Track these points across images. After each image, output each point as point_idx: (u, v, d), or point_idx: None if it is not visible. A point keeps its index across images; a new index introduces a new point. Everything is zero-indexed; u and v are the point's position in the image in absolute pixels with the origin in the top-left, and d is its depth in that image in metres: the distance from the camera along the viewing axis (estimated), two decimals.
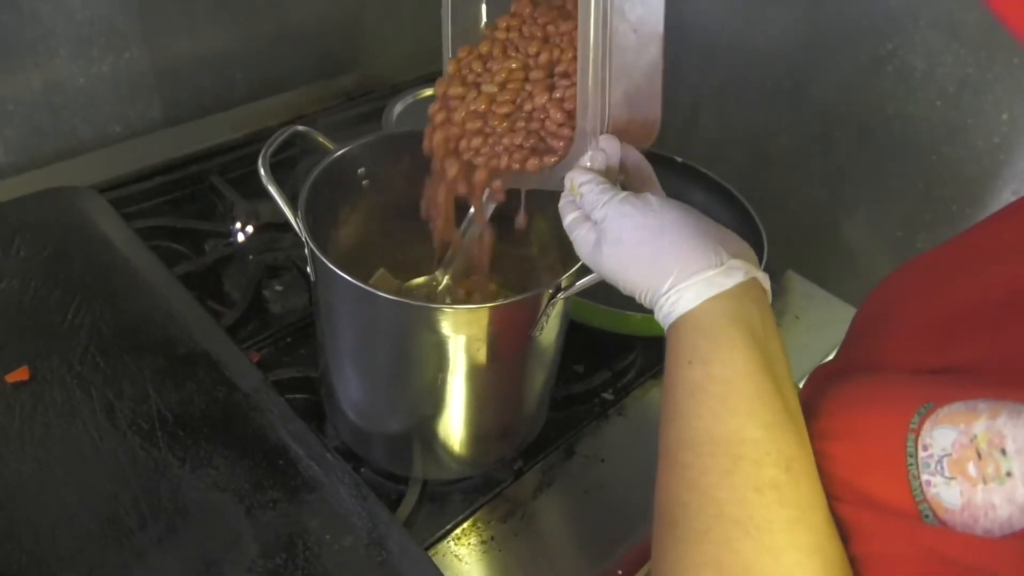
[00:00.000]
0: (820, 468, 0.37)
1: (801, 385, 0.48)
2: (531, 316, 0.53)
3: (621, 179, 0.48)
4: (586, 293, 0.62)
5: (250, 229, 0.86)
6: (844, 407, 0.39)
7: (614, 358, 0.77)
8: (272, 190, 0.54)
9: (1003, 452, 0.30)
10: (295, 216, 0.54)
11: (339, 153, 0.59)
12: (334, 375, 0.62)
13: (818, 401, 0.40)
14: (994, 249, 0.41)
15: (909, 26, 0.91)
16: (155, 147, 0.93)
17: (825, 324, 0.86)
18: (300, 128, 0.58)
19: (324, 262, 0.49)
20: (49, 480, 0.58)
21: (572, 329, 0.62)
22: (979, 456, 0.31)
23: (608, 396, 0.75)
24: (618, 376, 0.76)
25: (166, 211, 0.87)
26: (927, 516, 0.32)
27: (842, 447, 0.37)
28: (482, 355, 0.53)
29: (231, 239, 0.85)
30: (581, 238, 0.45)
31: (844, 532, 0.36)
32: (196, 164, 0.92)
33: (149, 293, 0.72)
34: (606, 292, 0.80)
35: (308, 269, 0.56)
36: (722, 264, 0.39)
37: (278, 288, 0.81)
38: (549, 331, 0.56)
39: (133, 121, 0.96)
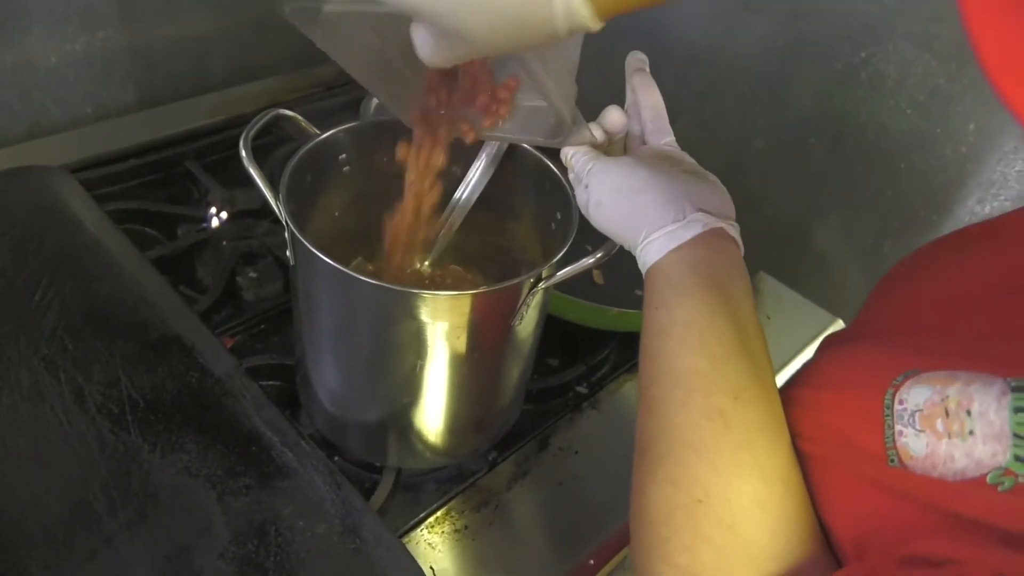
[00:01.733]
0: (805, 411, 0.41)
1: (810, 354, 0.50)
2: (512, 305, 0.53)
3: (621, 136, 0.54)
4: (563, 287, 0.63)
5: (224, 215, 0.85)
6: (838, 363, 0.42)
7: (589, 352, 0.77)
8: (253, 172, 0.54)
9: (968, 413, 0.33)
10: (276, 199, 0.53)
11: (322, 137, 0.59)
12: (310, 362, 0.61)
13: (819, 357, 0.45)
14: (1019, 235, 0.43)
15: (884, 36, 0.93)
16: (128, 130, 0.91)
17: (795, 325, 0.87)
18: (284, 111, 0.57)
19: (305, 245, 0.49)
20: (15, 463, 0.57)
21: (548, 323, 0.62)
22: (947, 414, 0.34)
23: (583, 390, 0.75)
24: (593, 370, 0.77)
25: (139, 194, 0.86)
26: (892, 460, 0.35)
27: (829, 395, 0.40)
28: (462, 344, 0.53)
29: (205, 224, 0.84)
30: (579, 201, 0.51)
31: (811, 465, 0.40)
32: (171, 148, 0.90)
33: (121, 276, 0.71)
34: (583, 287, 0.80)
35: (288, 254, 0.55)
36: (684, 218, 0.44)
37: (252, 275, 0.80)
38: (528, 322, 0.56)
39: (106, 103, 0.94)
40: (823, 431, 0.40)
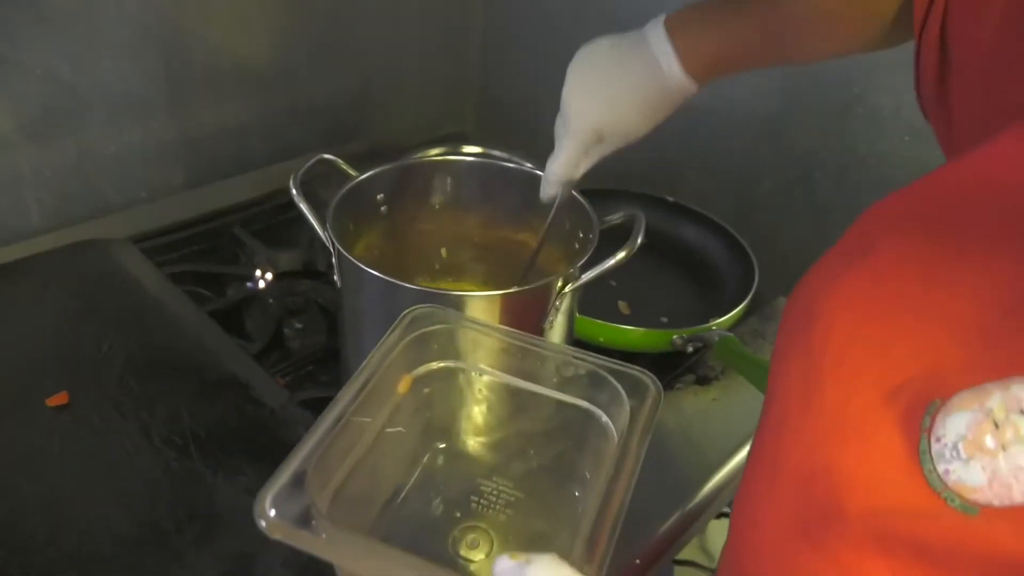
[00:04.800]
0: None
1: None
2: (543, 306, 0.57)
3: None
4: (591, 313, 0.67)
5: (269, 276, 0.91)
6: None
7: None
8: (303, 206, 0.60)
9: (1021, 412, 0.27)
10: (323, 228, 0.59)
11: (361, 178, 0.65)
12: (345, 368, 0.66)
13: None
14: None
15: (873, 69, 0.99)
16: (180, 205, 0.99)
17: None
18: (327, 156, 0.64)
19: (350, 259, 0.54)
20: (89, 492, 0.61)
21: (579, 346, 0.66)
22: (996, 426, 0.28)
23: None
24: None
25: (191, 259, 0.92)
26: (953, 500, 0.29)
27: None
28: None
29: (251, 284, 0.90)
30: None
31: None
32: (218, 219, 0.98)
33: (179, 327, 0.77)
34: (611, 315, 0.84)
35: (335, 277, 0.61)
36: None
37: (298, 326, 0.85)
38: (557, 329, 0.60)
39: (157, 186, 1.03)
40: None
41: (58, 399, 0.68)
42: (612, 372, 0.46)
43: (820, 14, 0.55)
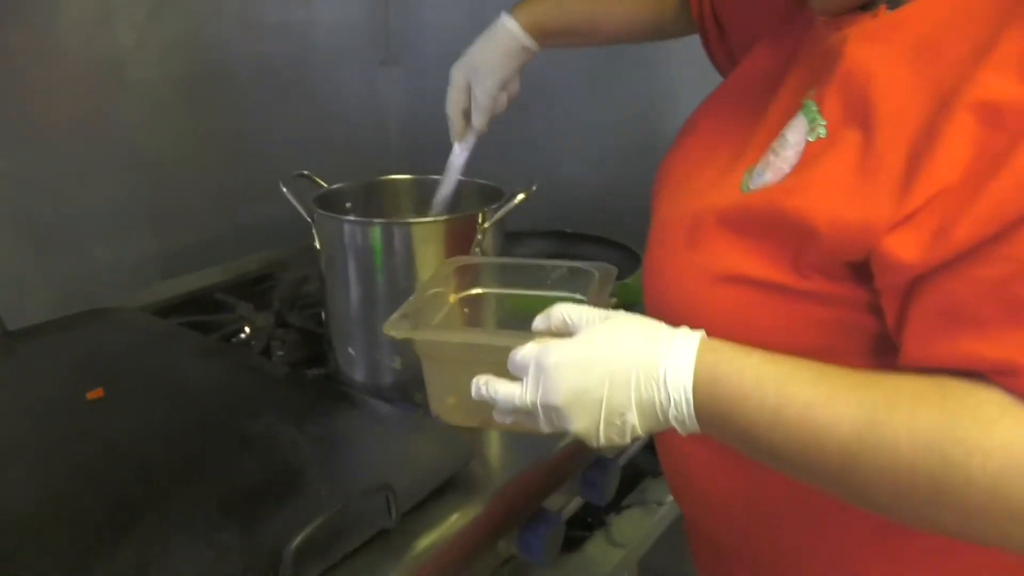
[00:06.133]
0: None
1: None
2: (471, 234, 0.82)
3: None
4: None
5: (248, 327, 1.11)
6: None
7: None
8: (289, 196, 0.84)
9: (778, 150, 0.52)
10: (310, 215, 0.83)
11: (332, 188, 0.90)
12: (331, 317, 0.87)
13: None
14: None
15: None
16: (170, 287, 1.20)
17: None
18: (304, 172, 0.89)
19: (321, 213, 0.79)
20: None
21: None
22: (773, 154, 0.52)
23: None
24: None
25: (187, 313, 1.12)
26: (745, 188, 0.54)
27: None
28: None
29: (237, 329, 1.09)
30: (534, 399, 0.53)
31: None
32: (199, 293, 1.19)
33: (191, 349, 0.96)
34: None
35: (315, 243, 0.84)
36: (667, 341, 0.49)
37: (280, 354, 1.04)
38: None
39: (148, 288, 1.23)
40: None
41: (95, 394, 0.84)
42: (582, 267, 0.69)
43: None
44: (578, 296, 0.67)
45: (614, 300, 0.93)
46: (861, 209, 0.45)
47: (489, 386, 0.53)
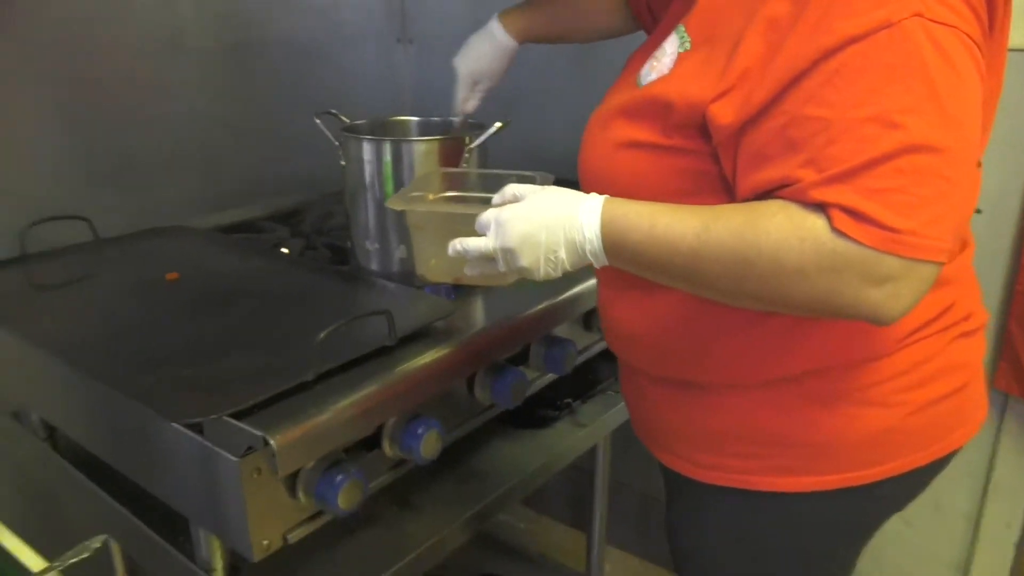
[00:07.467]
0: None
1: None
2: (460, 152, 1.05)
3: None
4: None
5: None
6: None
7: None
8: (321, 125, 1.08)
9: (663, 52, 0.75)
10: (337, 138, 1.07)
11: (355, 123, 1.14)
12: (353, 220, 1.12)
13: None
14: None
15: None
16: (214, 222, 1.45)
17: None
18: (332, 111, 1.14)
19: (349, 135, 1.02)
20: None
21: None
22: (656, 60, 0.75)
23: None
24: None
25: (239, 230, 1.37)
26: (639, 85, 0.76)
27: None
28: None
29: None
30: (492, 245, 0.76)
31: None
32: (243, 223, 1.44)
33: (241, 251, 1.20)
34: None
35: (341, 163, 1.08)
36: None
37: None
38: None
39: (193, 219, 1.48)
40: None
41: (172, 276, 1.09)
42: (528, 174, 0.90)
43: (588, 5, 1.10)
44: None
45: None
46: (698, 89, 0.69)
47: (463, 243, 0.76)
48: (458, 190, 0.97)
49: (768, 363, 0.77)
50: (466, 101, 1.14)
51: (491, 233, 0.74)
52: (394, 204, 0.85)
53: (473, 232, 0.76)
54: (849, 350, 0.75)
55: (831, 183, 0.60)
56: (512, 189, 0.76)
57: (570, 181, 0.79)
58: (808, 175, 0.61)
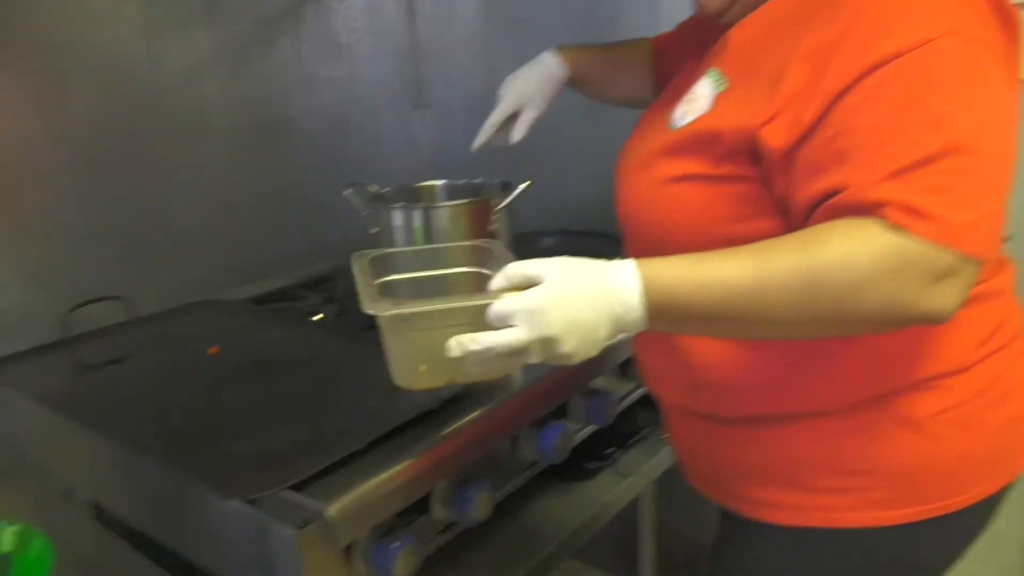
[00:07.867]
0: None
1: None
2: (488, 214, 1.08)
3: None
4: None
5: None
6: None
7: None
8: (351, 197, 1.11)
9: (696, 96, 0.78)
10: (368, 207, 1.10)
11: (383, 191, 1.17)
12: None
13: None
14: None
15: None
16: (247, 293, 1.48)
17: None
18: (361, 182, 1.17)
19: (379, 205, 1.05)
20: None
21: None
22: (688, 104, 0.78)
23: None
24: None
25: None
26: (673, 128, 0.79)
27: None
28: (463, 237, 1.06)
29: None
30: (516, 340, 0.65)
31: None
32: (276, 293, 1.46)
33: (279, 322, 1.22)
34: None
35: (371, 230, 1.10)
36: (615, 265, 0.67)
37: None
38: (501, 235, 1.10)
39: (227, 291, 1.51)
40: None
41: (213, 350, 1.11)
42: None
43: (627, 61, 1.14)
44: (484, 271, 0.81)
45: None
46: (748, 116, 0.72)
47: (479, 341, 0.64)
48: (391, 273, 0.84)
49: (854, 384, 0.76)
50: (516, 131, 1.12)
51: (521, 324, 0.63)
52: (379, 310, 0.70)
53: (471, 327, 0.65)
54: (928, 363, 0.75)
55: (885, 181, 0.62)
56: (519, 270, 0.66)
57: (592, 233, 0.81)
58: (861, 178, 0.63)
